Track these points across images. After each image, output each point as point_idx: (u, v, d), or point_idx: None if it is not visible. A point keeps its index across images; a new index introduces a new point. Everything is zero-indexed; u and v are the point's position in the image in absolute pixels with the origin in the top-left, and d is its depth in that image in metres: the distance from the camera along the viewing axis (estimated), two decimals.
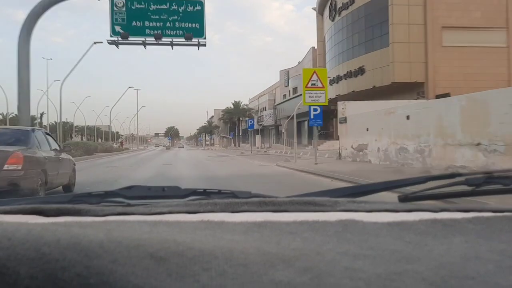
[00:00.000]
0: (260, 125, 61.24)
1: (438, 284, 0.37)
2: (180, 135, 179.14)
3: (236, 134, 72.12)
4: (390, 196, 1.05)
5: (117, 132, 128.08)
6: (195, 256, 0.39)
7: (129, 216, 0.70)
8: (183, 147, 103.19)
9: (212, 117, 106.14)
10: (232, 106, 72.60)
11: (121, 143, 61.00)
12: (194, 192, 1.02)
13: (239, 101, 74.06)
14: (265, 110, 62.57)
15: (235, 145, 69.81)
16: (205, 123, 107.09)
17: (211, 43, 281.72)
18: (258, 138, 49.33)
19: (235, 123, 72.62)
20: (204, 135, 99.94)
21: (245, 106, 71.97)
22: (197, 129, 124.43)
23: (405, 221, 0.60)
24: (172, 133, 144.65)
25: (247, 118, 65.70)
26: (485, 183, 0.93)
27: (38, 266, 0.36)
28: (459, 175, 0.97)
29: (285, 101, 49.91)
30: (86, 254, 0.37)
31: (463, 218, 0.61)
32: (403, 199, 0.97)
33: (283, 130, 49.54)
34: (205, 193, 1.02)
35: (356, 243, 0.49)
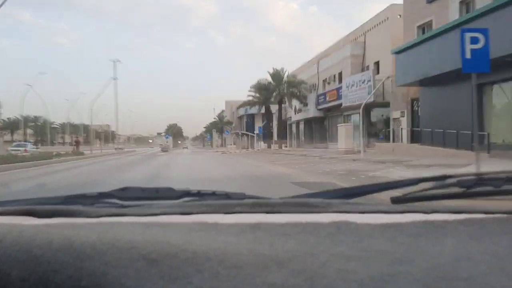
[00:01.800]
0: (323, 109, 33.76)
1: (430, 286, 0.37)
2: (184, 135, 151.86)
3: (270, 127, 44.91)
4: (383, 198, 1.06)
5: (113, 131, 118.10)
6: (188, 258, 0.39)
7: (122, 218, 0.70)
8: (187, 148, 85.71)
9: (223, 111, 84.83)
10: (270, 79, 40.87)
11: (76, 143, 37.55)
12: (187, 193, 1.03)
13: (282, 68, 41.14)
14: (334, 80, 32.23)
15: (268, 146, 44.66)
16: (214, 118, 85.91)
17: (216, 44, 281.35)
18: (345, 131, 23.98)
19: (269, 110, 43.94)
20: (213, 133, 77.18)
21: (293, 78, 38.95)
22: (204, 127, 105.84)
23: (397, 222, 0.60)
24: (174, 132, 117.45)
25: (294, 100, 38.30)
26: (476, 185, 0.94)
27: (29, 268, 0.35)
28: (451, 177, 0.98)
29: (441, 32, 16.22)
30: (78, 256, 0.37)
31: (455, 220, 0.62)
32: (396, 200, 0.98)
33: (398, 116, 22.82)
34: (199, 194, 1.03)
35: (349, 244, 0.49)
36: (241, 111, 69.88)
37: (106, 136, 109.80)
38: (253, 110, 64.21)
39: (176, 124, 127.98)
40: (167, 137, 68.27)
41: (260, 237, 0.51)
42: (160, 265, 0.38)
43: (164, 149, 53.96)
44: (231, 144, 62.34)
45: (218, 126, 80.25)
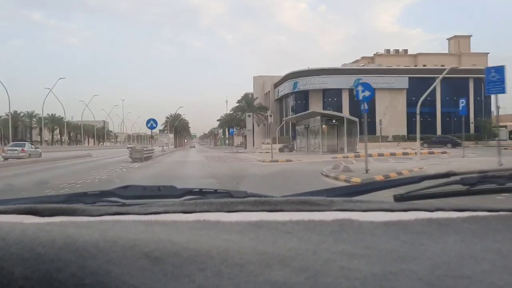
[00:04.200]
0: None
1: (434, 284, 0.37)
2: (191, 133, 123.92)
3: None
4: (386, 196, 1.06)
5: (108, 129, 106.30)
6: (191, 256, 0.39)
7: (124, 216, 0.70)
8: (194, 147, 75.04)
9: (247, 95, 56.45)
10: None
11: None
12: (190, 191, 1.02)
13: None
14: None
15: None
16: (238, 102, 55.64)
17: (224, 43, 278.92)
18: None
19: None
20: (247, 121, 40.49)
21: None
22: (218, 119, 73.17)
23: (400, 220, 0.60)
24: (177, 126, 75.66)
25: None
26: (479, 183, 0.94)
27: (32, 266, 0.35)
28: (454, 174, 0.98)
29: None
30: (81, 254, 0.37)
31: (458, 218, 0.62)
32: (399, 198, 0.97)
33: None
34: (201, 193, 1.02)
35: (352, 242, 0.49)
36: (285, 88, 45.46)
37: (99, 133, 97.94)
38: (310, 82, 40.62)
39: (180, 116, 79.11)
40: (151, 127, 27.76)
41: (263, 235, 0.52)
42: (163, 263, 0.38)
43: (137, 156, 22.77)
44: (267, 142, 36.74)
45: (244, 112, 47.63)
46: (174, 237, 0.45)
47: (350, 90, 37.84)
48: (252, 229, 0.54)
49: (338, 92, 41.52)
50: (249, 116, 34.70)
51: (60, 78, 56.08)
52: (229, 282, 0.36)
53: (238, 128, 56.96)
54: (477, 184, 0.94)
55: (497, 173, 0.96)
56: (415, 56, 57.85)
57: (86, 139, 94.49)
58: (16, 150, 24.96)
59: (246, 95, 56.09)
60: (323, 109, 33.94)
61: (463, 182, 0.95)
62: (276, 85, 50.43)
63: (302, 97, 43.25)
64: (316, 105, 38.74)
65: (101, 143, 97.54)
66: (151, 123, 26.99)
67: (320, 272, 0.39)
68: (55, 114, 75.04)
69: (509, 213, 0.67)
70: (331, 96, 42.20)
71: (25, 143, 28.53)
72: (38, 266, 0.36)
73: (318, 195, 0.94)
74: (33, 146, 29.01)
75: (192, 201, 0.88)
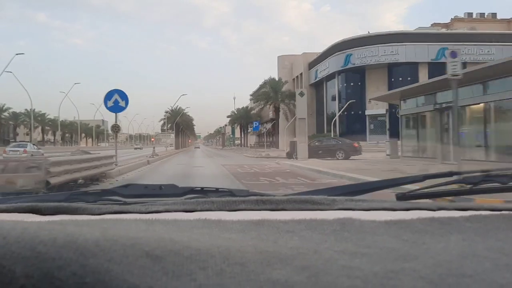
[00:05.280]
0: None
1: (436, 282, 0.37)
2: (196, 133, 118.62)
3: None
4: (388, 195, 1.05)
5: (102, 128, 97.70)
6: (192, 255, 0.39)
7: (125, 215, 0.70)
8: (199, 148, 71.85)
9: (268, 81, 43.34)
10: None
11: None
12: (191, 190, 1.02)
13: None
14: None
15: None
16: (253, 94, 47.38)
17: (228, 43, 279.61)
18: None
19: None
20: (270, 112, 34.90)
21: None
22: (229, 116, 67.41)
23: (402, 219, 0.60)
24: (179, 122, 60.78)
25: None
26: (482, 182, 0.94)
27: (33, 265, 0.36)
28: (457, 173, 0.98)
29: None
30: (82, 253, 0.37)
31: (461, 217, 0.62)
32: (401, 197, 0.97)
33: None
34: (203, 192, 1.02)
35: (354, 241, 0.49)
36: (329, 65, 32.28)
37: (89, 132, 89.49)
38: (372, 54, 26.55)
39: (183, 110, 63.49)
40: (115, 107, 12.81)
41: (264, 234, 0.52)
42: (164, 262, 0.38)
43: (21, 182, 6.04)
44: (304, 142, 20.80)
45: (254, 115, 40.76)
46: (175, 235, 0.45)
47: (432, 65, 24.58)
48: (254, 228, 0.54)
49: (412, 68, 26.66)
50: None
51: (17, 54, 48.35)
52: (230, 281, 0.36)
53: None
54: (480, 183, 0.94)
55: (500, 172, 0.96)
56: (508, 21, 41.77)
57: (84, 139, 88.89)
58: (19, 150, 24.30)
59: (271, 79, 42.13)
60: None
61: (465, 181, 0.94)
62: (313, 64, 36.01)
63: (356, 77, 29.18)
64: (377, 88, 24.85)
65: (98, 144, 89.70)
66: (115, 98, 13.62)
67: (322, 271, 0.39)
68: (34, 109, 61.57)
69: (511, 212, 0.67)
70: (401, 74, 27.34)
71: (27, 144, 27.99)
72: (39, 264, 0.36)
73: (319, 194, 0.94)
74: (35, 147, 27.83)
75: (193, 199, 0.87)
